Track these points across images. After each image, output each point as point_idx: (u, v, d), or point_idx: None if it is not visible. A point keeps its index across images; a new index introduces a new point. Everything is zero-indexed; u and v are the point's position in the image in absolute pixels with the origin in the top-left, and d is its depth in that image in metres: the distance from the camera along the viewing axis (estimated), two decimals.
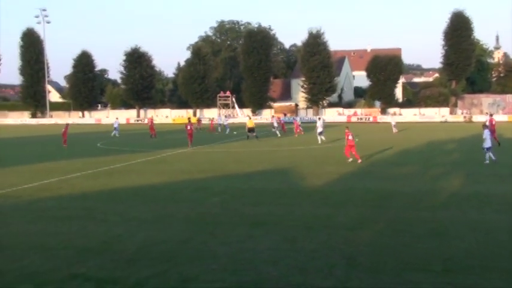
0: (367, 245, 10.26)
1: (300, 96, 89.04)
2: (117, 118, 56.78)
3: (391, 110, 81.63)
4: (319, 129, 35.46)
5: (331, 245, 10.28)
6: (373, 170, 21.46)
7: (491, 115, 35.57)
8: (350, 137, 24.16)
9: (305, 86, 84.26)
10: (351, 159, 24.14)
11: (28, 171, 22.90)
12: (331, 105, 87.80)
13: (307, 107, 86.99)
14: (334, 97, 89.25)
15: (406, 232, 11.18)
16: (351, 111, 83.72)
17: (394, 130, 47.80)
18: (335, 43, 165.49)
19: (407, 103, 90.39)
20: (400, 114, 79.98)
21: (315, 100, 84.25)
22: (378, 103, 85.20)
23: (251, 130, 40.33)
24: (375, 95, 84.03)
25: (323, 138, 35.57)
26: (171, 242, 10.70)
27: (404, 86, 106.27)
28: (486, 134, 22.79)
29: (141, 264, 9.31)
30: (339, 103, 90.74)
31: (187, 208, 14.16)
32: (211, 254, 9.81)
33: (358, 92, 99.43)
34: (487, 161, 22.69)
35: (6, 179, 20.30)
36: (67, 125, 40.69)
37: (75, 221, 12.81)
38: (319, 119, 38.80)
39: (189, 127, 35.53)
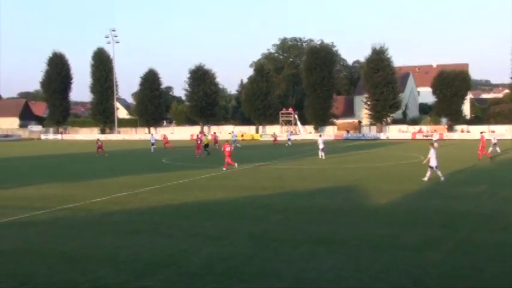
0: (435, 267, 9.98)
1: (363, 113, 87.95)
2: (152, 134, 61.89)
3: (458, 127, 79.22)
4: (321, 146, 38.29)
5: (397, 265, 10.08)
6: (440, 189, 20.86)
7: (481, 133, 40.81)
8: (228, 148, 30.94)
9: (368, 102, 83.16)
10: (236, 165, 30.53)
11: (98, 185, 23.79)
12: (395, 122, 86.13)
13: (371, 124, 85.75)
14: (398, 114, 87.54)
15: (476, 255, 10.80)
16: (416, 128, 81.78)
17: (436, 145, 50.24)
18: (399, 59, 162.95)
19: (476, 120, 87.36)
20: (468, 132, 77.45)
21: (379, 117, 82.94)
22: (444, 120, 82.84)
23: (206, 146, 44.49)
24: (441, 111, 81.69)
25: (323, 155, 37.93)
26: (235, 259, 10.80)
27: (472, 102, 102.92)
28: (432, 153, 23.56)
29: (206, 279, 9.45)
30: (404, 120, 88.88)
31: (251, 225, 14.27)
32: (275, 272, 9.83)
33: (424, 109, 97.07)
34: (442, 178, 23.28)
35: (78, 193, 21.17)
36: (99, 140, 49.90)
37: (142, 235, 13.19)
38: (320, 136, 43.13)
39: (199, 141, 43.23)
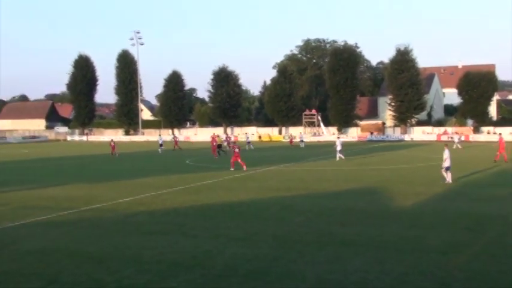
0: (461, 270, 9.86)
1: (387, 115, 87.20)
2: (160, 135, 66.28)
3: (484, 129, 78.00)
4: (338, 148, 38.37)
5: (422, 268, 9.98)
6: (466, 191, 20.58)
7: (500, 134, 39.94)
8: (236, 150, 31.70)
9: (392, 103, 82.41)
10: (233, 169, 30.44)
11: (123, 186, 24.06)
12: (420, 123, 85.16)
13: (395, 125, 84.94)
14: (423, 115, 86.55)
15: (503, 258, 10.64)
16: (441, 129, 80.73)
17: (459, 146, 51.74)
18: (424, 60, 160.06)
19: (503, 121, 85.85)
20: (495, 133, 76.24)
21: (403, 118, 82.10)
22: (470, 121, 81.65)
23: (219, 146, 46.07)
24: (467, 113, 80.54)
25: (342, 156, 37.85)
26: (259, 260, 10.82)
27: (499, 103, 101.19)
28: (446, 154, 22.97)
29: (230, 280, 9.48)
30: (428, 121, 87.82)
31: (275, 226, 14.27)
32: (300, 273, 9.82)
33: (449, 110, 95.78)
34: (447, 181, 22.92)
35: (103, 193, 21.45)
36: (112, 141, 50.58)
37: (166, 236, 13.31)
38: (338, 138, 43.08)
39: (214, 143, 44.94)
